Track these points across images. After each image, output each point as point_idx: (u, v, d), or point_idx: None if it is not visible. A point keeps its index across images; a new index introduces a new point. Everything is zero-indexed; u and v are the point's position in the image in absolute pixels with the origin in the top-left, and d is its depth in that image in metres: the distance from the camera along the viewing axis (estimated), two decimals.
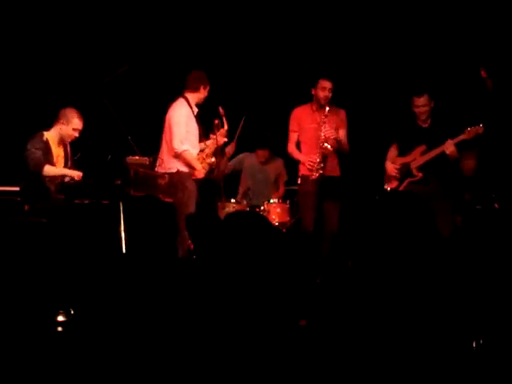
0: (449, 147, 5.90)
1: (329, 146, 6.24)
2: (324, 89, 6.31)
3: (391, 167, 6.28)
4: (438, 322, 2.81)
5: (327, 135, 6.26)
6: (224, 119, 6.39)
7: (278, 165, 8.01)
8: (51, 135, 5.88)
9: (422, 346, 2.73)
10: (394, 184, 6.26)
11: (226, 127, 6.43)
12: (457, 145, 5.90)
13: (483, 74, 5.99)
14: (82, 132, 5.96)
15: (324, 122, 6.28)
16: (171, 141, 6.16)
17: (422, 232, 3.09)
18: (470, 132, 5.83)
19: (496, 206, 6.00)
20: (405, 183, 6.18)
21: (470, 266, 3.06)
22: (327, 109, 6.28)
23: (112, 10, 7.61)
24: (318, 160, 6.27)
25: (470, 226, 5.49)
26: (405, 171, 6.18)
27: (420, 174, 6.09)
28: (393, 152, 6.34)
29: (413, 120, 6.17)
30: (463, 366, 2.70)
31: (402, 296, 3.04)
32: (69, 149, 6.05)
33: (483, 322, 2.86)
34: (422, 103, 6.06)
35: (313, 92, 6.39)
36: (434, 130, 6.07)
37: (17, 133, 6.26)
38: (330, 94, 6.33)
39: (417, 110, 6.10)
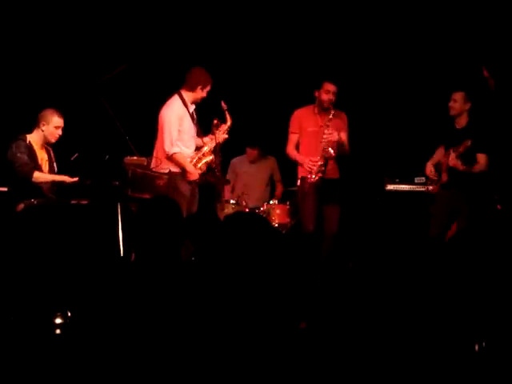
0: (451, 160, 5.94)
1: (332, 151, 6.16)
2: (328, 92, 6.20)
3: (428, 167, 6.28)
4: (439, 324, 2.79)
5: (330, 139, 6.18)
6: (227, 114, 6.26)
7: (270, 164, 7.95)
8: (34, 138, 5.81)
9: (424, 348, 2.71)
10: (433, 186, 6.27)
11: (228, 123, 6.26)
12: (461, 156, 5.90)
13: (485, 73, 5.97)
14: (63, 129, 5.91)
15: (328, 126, 6.19)
16: (162, 142, 6.09)
17: (419, 234, 3.07)
18: (463, 145, 5.87)
19: (499, 207, 5.99)
20: (438, 185, 6.18)
21: (474, 268, 3.04)
22: (332, 113, 6.18)
23: (109, 9, 7.59)
24: (320, 163, 6.18)
25: (473, 227, 5.47)
26: (437, 172, 6.19)
27: (446, 178, 6.09)
28: (439, 152, 6.27)
29: (452, 120, 6.13)
30: (465, 369, 2.68)
31: (404, 298, 3.02)
32: (52, 153, 5.99)
33: (486, 325, 2.84)
34: (454, 98, 6.03)
35: (316, 94, 6.27)
36: (466, 133, 6.01)
37: (6, 133, 6.20)
38: (334, 98, 6.21)
39: (449, 103, 6.07)
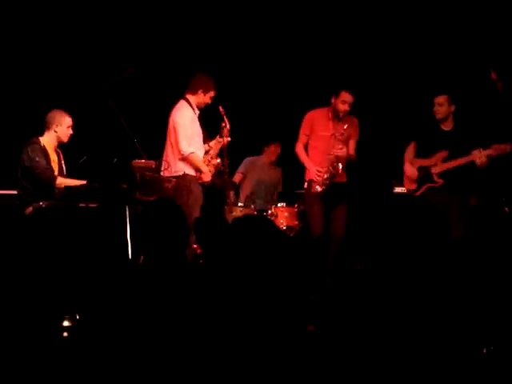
0: (480, 158, 5.84)
1: (340, 166, 6.13)
2: (344, 102, 6.11)
3: (411, 170, 6.17)
4: (448, 327, 2.78)
5: (339, 154, 6.12)
6: (225, 118, 6.34)
7: (279, 173, 7.97)
8: (47, 141, 5.83)
9: (433, 351, 2.70)
10: (413, 186, 6.19)
11: (227, 126, 6.35)
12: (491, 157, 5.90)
13: (493, 75, 5.95)
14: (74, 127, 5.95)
15: (339, 140, 6.15)
16: (177, 143, 6.12)
17: (434, 239, 3.05)
18: (497, 149, 5.82)
19: (506, 209, 5.95)
20: (423, 188, 6.08)
21: (481, 270, 3.03)
22: (345, 126, 6.13)
23: (117, 13, 7.61)
24: (326, 176, 6.16)
25: (481, 229, 5.45)
26: (424, 175, 6.09)
27: (441, 181, 6.02)
28: (410, 152, 6.22)
29: (435, 123, 6.09)
30: (474, 372, 2.67)
31: (411, 300, 3.01)
32: (62, 155, 6.01)
33: (494, 328, 2.83)
34: (438, 101, 5.99)
35: (332, 100, 6.19)
36: (457, 135, 5.99)
37: (16, 136, 6.23)
38: (350, 109, 6.15)
39: (434, 108, 6.03)
